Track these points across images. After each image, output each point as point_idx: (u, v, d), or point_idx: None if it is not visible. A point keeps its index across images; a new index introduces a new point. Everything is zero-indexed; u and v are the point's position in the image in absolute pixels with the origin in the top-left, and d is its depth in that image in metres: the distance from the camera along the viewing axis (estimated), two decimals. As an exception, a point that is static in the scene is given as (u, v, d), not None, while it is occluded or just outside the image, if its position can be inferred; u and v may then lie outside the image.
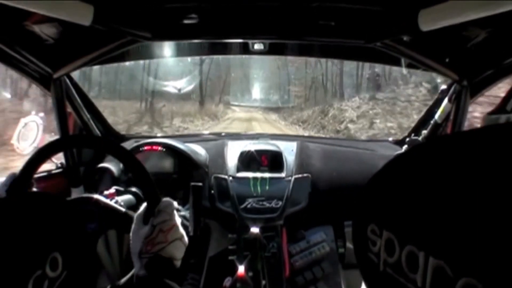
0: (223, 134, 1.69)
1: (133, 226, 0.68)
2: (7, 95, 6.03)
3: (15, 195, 0.72)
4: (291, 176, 1.26)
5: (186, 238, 0.69)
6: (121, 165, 1.24)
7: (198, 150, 1.34)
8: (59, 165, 1.31)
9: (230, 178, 1.27)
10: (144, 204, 0.70)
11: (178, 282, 0.63)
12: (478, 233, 0.21)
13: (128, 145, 1.36)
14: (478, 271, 0.20)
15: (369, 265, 0.30)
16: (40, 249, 0.48)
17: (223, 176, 1.27)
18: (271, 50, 1.23)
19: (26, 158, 0.78)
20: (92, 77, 9.66)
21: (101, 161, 1.35)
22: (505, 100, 0.61)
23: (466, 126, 1.17)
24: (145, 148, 1.28)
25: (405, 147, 1.44)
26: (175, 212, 0.69)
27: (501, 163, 0.21)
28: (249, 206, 1.19)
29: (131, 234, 0.67)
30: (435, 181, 0.25)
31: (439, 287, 0.23)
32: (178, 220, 0.69)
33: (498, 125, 0.24)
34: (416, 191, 0.26)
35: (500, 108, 0.61)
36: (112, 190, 1.07)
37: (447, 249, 0.23)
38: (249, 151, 1.34)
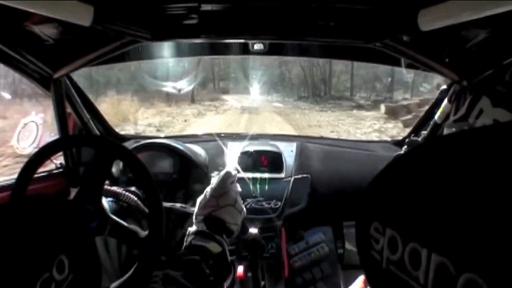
0: (222, 134, 1.70)
1: None
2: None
3: (18, 198, 0.72)
4: (291, 176, 1.26)
5: (242, 206, 0.78)
6: (121, 165, 1.24)
7: (198, 151, 1.34)
8: (59, 165, 1.31)
9: None
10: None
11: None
12: (480, 230, 0.21)
13: (128, 145, 1.36)
14: (480, 267, 0.21)
15: (372, 263, 0.30)
16: (47, 252, 0.49)
17: None
18: (271, 50, 1.23)
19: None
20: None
21: None
22: (468, 110, 0.62)
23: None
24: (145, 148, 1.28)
25: (404, 147, 1.44)
26: (231, 181, 0.77)
27: (501, 161, 0.21)
28: (248, 206, 1.19)
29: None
30: (437, 179, 0.25)
31: (441, 283, 0.23)
32: (234, 189, 0.78)
33: (497, 124, 0.24)
34: (418, 190, 0.26)
35: (464, 117, 0.62)
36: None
37: (450, 246, 0.23)
38: (248, 152, 1.34)
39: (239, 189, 0.80)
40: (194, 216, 0.74)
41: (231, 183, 0.77)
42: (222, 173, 0.78)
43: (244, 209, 0.79)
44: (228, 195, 0.75)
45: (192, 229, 0.71)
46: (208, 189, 0.76)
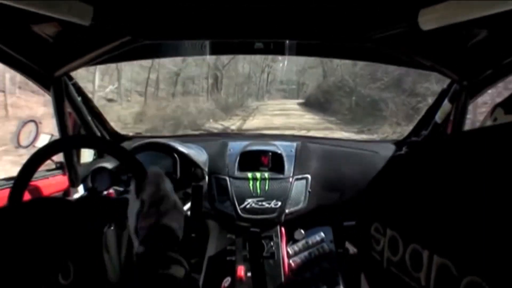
0: (223, 134, 1.70)
1: (129, 203, 0.66)
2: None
3: (17, 198, 0.72)
4: (291, 176, 1.26)
5: (180, 206, 0.66)
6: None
7: (198, 150, 1.34)
8: (59, 165, 1.31)
9: (230, 178, 1.27)
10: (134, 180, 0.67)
11: (182, 254, 0.61)
12: (483, 232, 0.21)
13: (128, 145, 1.36)
14: (483, 270, 0.20)
15: (372, 263, 0.30)
16: (53, 257, 0.48)
17: (222, 176, 1.27)
18: (270, 50, 1.23)
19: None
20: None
21: (101, 161, 1.35)
22: None
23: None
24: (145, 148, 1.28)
25: (404, 148, 1.44)
26: (165, 181, 0.66)
27: (502, 162, 0.21)
28: (248, 206, 1.19)
29: (127, 211, 0.65)
30: (438, 180, 0.25)
31: (443, 285, 0.23)
32: (169, 188, 0.66)
33: (497, 125, 0.24)
34: (419, 190, 0.26)
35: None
36: (111, 190, 1.07)
37: (452, 248, 0.23)
38: (249, 151, 1.34)
39: (169, 187, 0.69)
40: (133, 231, 0.62)
41: (163, 182, 0.66)
42: (150, 176, 0.66)
43: (184, 208, 0.67)
44: (167, 198, 0.64)
45: (139, 250, 0.59)
46: (142, 196, 0.63)
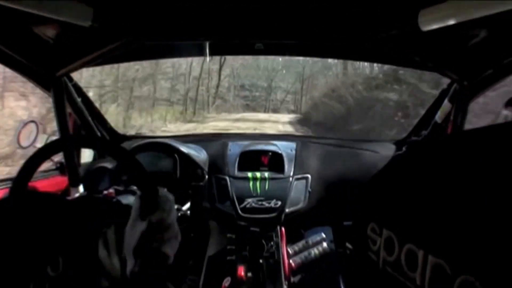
0: (223, 134, 1.70)
1: (129, 220, 0.65)
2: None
3: (17, 196, 0.72)
4: (291, 176, 1.27)
5: (179, 235, 0.67)
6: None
7: (198, 150, 1.34)
8: (59, 165, 1.31)
9: (230, 178, 1.27)
10: (139, 198, 0.67)
11: (172, 281, 0.63)
12: (477, 232, 0.21)
13: (128, 145, 1.36)
14: (476, 269, 0.20)
15: (369, 263, 0.30)
16: (42, 251, 0.49)
17: (222, 176, 1.28)
18: (270, 50, 1.23)
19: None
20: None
21: (101, 161, 1.35)
22: None
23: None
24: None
25: (405, 148, 1.44)
26: (173, 207, 0.67)
27: (500, 163, 0.21)
28: (248, 206, 1.19)
29: (126, 228, 0.65)
30: (435, 181, 0.25)
31: (437, 285, 0.23)
32: (175, 216, 0.67)
33: (497, 125, 0.24)
34: (416, 191, 0.26)
35: None
36: (111, 190, 1.07)
37: (447, 248, 0.23)
38: (249, 151, 1.34)
39: (175, 214, 0.69)
40: (131, 250, 0.62)
41: (172, 209, 0.66)
42: (162, 200, 0.66)
43: (180, 238, 0.68)
44: (173, 226, 0.65)
45: (135, 269, 0.60)
46: (151, 219, 0.63)
